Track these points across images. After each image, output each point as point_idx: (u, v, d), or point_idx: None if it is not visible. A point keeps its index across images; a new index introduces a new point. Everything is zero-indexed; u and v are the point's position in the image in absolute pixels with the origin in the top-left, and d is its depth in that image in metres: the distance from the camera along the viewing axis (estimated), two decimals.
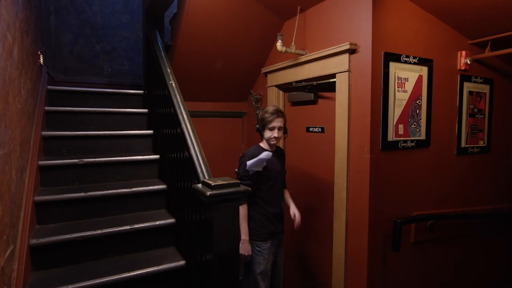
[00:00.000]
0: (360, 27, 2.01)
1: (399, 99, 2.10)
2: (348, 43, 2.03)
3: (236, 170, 3.23)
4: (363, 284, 2.05)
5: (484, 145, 2.59)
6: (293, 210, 2.18)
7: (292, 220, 2.18)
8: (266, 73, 3.04)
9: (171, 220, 1.99)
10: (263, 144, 2.19)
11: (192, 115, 2.09)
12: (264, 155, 2.01)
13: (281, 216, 2.23)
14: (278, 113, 2.08)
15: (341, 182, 2.18)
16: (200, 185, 1.45)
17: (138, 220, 1.96)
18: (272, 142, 2.12)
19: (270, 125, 2.07)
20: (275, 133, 2.08)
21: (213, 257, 1.39)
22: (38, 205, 1.82)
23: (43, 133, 2.15)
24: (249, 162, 2.00)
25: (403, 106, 2.12)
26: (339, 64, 2.16)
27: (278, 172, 2.18)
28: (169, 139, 2.17)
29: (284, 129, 2.15)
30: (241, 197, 1.46)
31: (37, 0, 2.35)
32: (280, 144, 2.98)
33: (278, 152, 2.25)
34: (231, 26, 2.66)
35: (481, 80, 2.51)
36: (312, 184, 2.67)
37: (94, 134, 2.35)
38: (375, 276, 2.08)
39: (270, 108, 2.11)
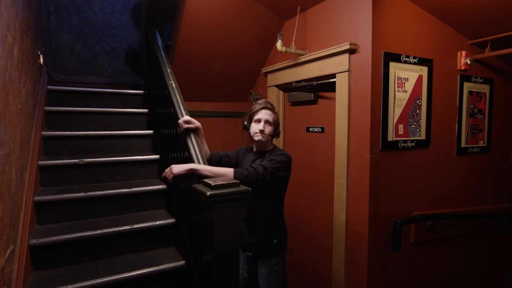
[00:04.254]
0: (360, 27, 2.01)
1: (399, 99, 2.10)
2: (348, 43, 2.03)
3: None
4: (363, 284, 2.05)
5: (484, 145, 2.59)
6: None
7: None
8: (266, 73, 3.04)
9: (171, 220, 1.99)
10: (253, 145, 1.89)
11: (192, 115, 2.08)
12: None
13: (253, 227, 1.81)
14: (268, 104, 1.78)
15: (341, 182, 2.18)
16: (200, 185, 1.45)
17: (138, 220, 1.95)
18: (256, 138, 1.76)
19: (256, 117, 1.76)
20: (261, 126, 1.74)
21: (213, 257, 1.38)
22: (38, 205, 1.81)
23: (43, 133, 2.14)
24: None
25: (403, 106, 2.12)
26: (339, 64, 2.16)
27: None
28: (169, 139, 2.17)
29: (274, 129, 1.79)
30: (242, 197, 1.45)
31: (37, 0, 2.35)
32: (280, 144, 2.97)
33: (265, 154, 1.81)
34: (231, 26, 2.66)
35: (481, 80, 2.51)
36: (312, 184, 2.67)
37: (94, 134, 2.35)
38: (375, 276, 2.08)
39: (260, 101, 1.82)
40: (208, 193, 1.33)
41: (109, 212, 2.03)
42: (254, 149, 1.89)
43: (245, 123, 1.90)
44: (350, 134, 2.12)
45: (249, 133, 1.84)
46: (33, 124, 2.00)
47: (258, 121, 1.77)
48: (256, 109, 1.79)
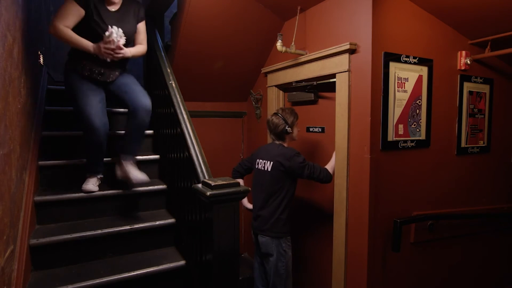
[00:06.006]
0: (360, 27, 2.01)
1: (399, 99, 2.10)
2: (348, 43, 2.03)
3: None
4: (363, 284, 2.05)
5: (484, 145, 2.59)
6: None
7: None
8: (266, 73, 3.04)
9: (171, 220, 1.99)
10: (286, 144, 2.29)
11: (192, 115, 2.09)
12: None
13: (256, 215, 2.28)
14: None
15: (341, 182, 2.18)
16: (200, 185, 1.46)
17: (138, 220, 1.96)
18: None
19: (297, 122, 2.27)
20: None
21: (213, 257, 1.39)
22: (38, 205, 1.81)
23: (43, 133, 2.15)
24: None
25: (403, 106, 2.12)
26: (339, 64, 2.16)
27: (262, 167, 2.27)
28: (169, 139, 2.17)
29: None
30: (241, 197, 1.46)
31: (37, 0, 2.35)
32: None
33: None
34: (231, 26, 2.66)
35: (481, 80, 2.51)
36: (312, 184, 2.67)
37: None
38: (375, 276, 2.08)
39: (289, 109, 2.26)
40: (208, 193, 1.33)
41: (109, 211, 2.03)
42: None
43: (287, 128, 2.19)
44: (350, 134, 2.12)
45: (289, 136, 2.26)
46: (33, 124, 2.00)
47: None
48: (296, 117, 2.25)
